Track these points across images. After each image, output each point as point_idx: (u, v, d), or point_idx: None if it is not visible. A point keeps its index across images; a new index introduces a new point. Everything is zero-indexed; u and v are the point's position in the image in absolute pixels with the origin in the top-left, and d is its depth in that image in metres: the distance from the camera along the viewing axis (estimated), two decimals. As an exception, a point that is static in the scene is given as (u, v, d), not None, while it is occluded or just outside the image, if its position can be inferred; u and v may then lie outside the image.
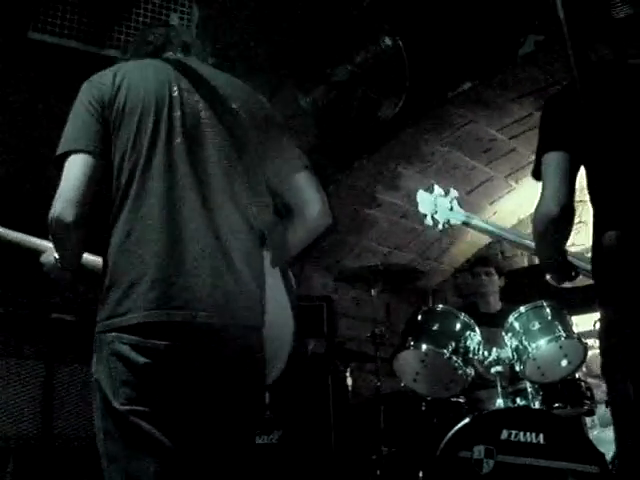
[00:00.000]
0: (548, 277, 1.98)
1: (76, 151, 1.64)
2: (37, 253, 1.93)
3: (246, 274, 1.68)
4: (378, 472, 3.58)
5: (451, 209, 2.56)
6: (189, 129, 1.71)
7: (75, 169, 1.63)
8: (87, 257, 1.87)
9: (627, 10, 3.27)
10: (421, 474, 3.41)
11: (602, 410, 3.76)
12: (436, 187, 2.63)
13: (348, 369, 4.11)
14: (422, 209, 2.63)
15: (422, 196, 2.65)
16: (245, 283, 1.68)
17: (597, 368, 4.61)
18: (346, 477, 3.87)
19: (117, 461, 1.53)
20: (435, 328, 3.54)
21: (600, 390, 4.33)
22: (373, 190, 4.68)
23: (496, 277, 4.47)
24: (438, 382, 3.53)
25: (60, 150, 1.66)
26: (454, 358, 3.40)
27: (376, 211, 4.85)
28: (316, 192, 1.87)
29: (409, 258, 5.37)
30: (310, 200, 1.85)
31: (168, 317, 1.55)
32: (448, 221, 2.54)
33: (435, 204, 2.59)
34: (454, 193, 2.59)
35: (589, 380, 3.73)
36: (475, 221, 2.49)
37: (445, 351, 3.41)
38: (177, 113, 1.71)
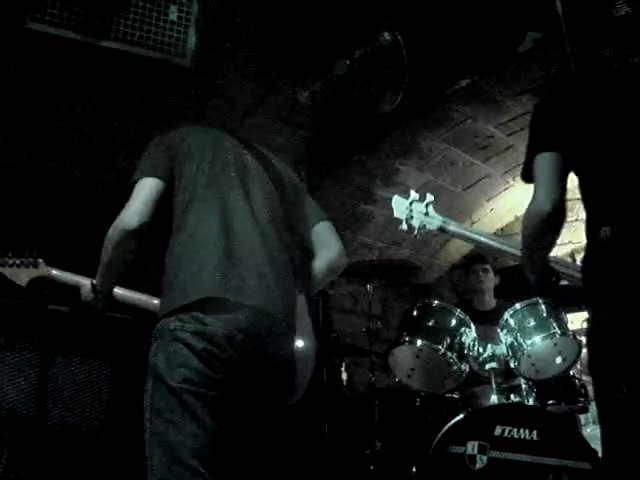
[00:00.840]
0: (532, 282, 1.98)
1: (148, 176, 1.99)
2: (77, 288, 2.28)
3: (287, 284, 1.96)
4: (371, 467, 3.59)
5: (426, 214, 2.52)
6: (240, 168, 2.08)
7: (145, 189, 1.97)
8: (117, 291, 2.27)
9: (627, 8, 3.27)
10: (414, 469, 3.43)
11: (595, 407, 3.77)
12: (412, 192, 2.60)
13: (343, 364, 4.12)
14: (397, 214, 2.60)
15: (397, 201, 2.62)
16: (286, 290, 1.94)
17: (591, 366, 4.63)
18: (339, 471, 3.88)
19: (159, 434, 1.69)
20: (430, 324, 3.54)
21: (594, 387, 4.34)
22: (370, 185, 4.68)
23: (492, 274, 4.48)
24: (433, 378, 3.54)
25: (135, 177, 2.00)
26: (449, 354, 3.41)
27: (373, 206, 4.85)
28: (336, 239, 2.24)
29: (405, 254, 5.38)
30: (330, 245, 2.21)
31: (225, 294, 1.79)
32: (424, 226, 2.50)
33: (410, 209, 2.55)
34: (430, 198, 2.55)
35: (583, 377, 3.74)
36: (452, 227, 2.44)
37: (440, 347, 3.42)
38: (231, 156, 2.10)
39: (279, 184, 2.16)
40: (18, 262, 2.40)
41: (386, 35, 3.70)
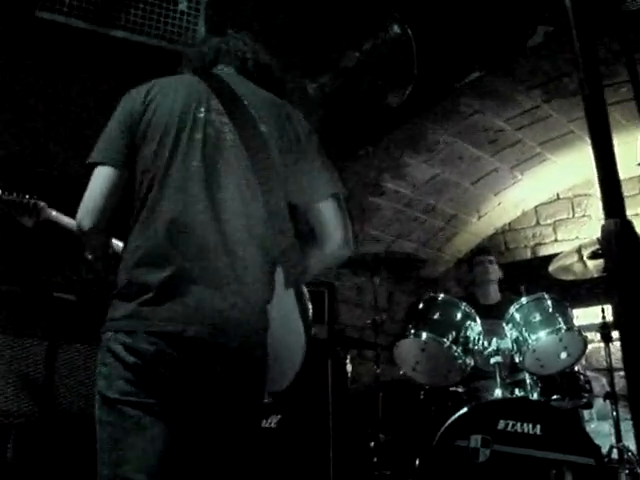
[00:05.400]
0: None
1: (102, 163, 1.76)
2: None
3: (252, 299, 1.71)
4: (375, 459, 3.60)
5: None
6: (209, 151, 1.75)
7: (99, 181, 1.75)
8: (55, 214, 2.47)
9: (638, 4, 3.24)
10: (418, 462, 3.44)
11: (600, 403, 3.78)
12: None
13: (348, 356, 4.13)
14: None
15: None
16: (249, 308, 1.70)
17: (596, 361, 4.64)
18: (343, 463, 3.89)
19: (104, 451, 1.59)
20: (436, 317, 3.55)
21: (598, 383, 4.35)
22: (378, 178, 4.68)
23: (497, 266, 4.48)
24: (437, 371, 3.55)
25: (90, 159, 1.77)
26: (454, 347, 3.41)
27: (380, 199, 4.85)
28: (340, 225, 1.86)
29: (412, 247, 5.38)
30: (332, 232, 1.86)
31: (159, 328, 1.61)
32: None
33: None
34: None
35: (588, 373, 3.74)
36: None
37: (445, 340, 3.43)
38: (199, 135, 1.76)
39: (266, 155, 1.79)
40: (24, 201, 2.51)
41: (395, 28, 3.70)
